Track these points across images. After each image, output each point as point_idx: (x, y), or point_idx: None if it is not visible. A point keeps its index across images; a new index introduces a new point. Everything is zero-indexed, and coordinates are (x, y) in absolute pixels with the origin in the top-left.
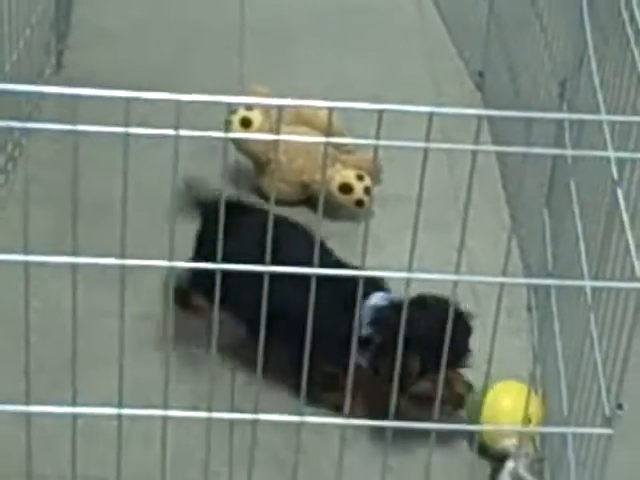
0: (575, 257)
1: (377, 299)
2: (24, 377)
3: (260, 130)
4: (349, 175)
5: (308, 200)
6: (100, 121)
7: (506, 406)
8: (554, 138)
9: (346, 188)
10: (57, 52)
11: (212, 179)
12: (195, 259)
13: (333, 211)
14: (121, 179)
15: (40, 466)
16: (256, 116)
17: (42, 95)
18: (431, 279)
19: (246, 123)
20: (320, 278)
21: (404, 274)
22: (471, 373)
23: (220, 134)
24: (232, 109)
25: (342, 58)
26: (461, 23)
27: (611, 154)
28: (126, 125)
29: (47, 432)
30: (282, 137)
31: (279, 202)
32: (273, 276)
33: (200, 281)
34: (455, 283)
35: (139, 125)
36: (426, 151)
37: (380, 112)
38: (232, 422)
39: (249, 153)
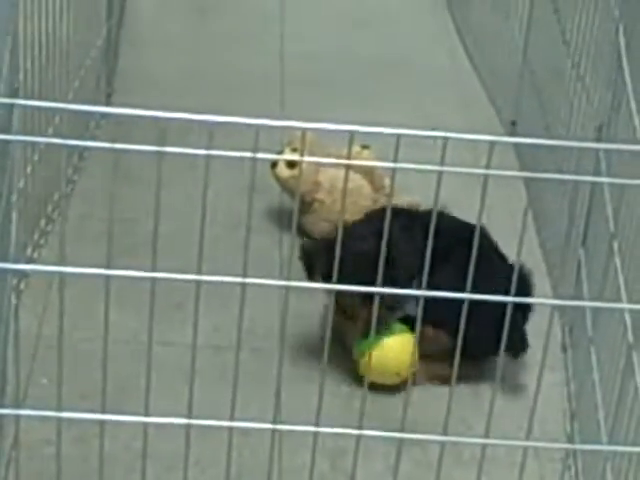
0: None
1: None
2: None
3: (306, 171)
4: None
5: None
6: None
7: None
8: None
9: None
10: (105, 96)
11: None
12: None
13: None
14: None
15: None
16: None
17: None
18: None
19: (292, 164)
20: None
21: None
22: None
23: (249, 154)
24: (278, 150)
25: (378, 109)
26: (494, 73)
27: None
28: (159, 144)
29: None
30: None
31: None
32: None
33: None
34: None
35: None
36: (440, 174)
37: (398, 136)
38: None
39: (293, 192)
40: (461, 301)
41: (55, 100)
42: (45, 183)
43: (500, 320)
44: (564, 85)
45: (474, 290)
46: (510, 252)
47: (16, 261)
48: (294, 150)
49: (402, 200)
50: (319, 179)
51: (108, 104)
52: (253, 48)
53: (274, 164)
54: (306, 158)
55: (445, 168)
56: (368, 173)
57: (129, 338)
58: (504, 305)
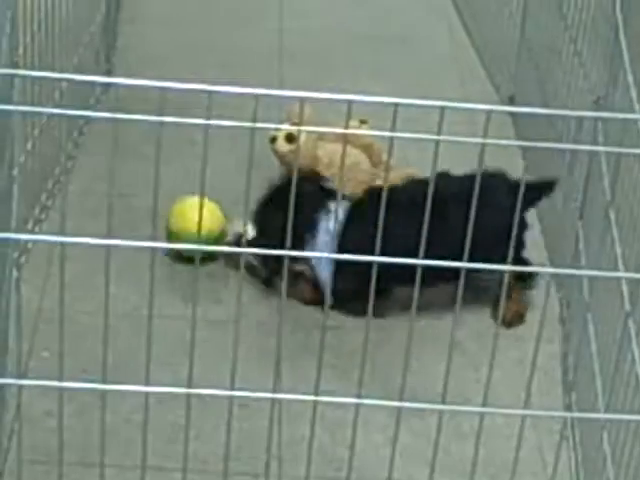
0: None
1: None
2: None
3: (304, 146)
4: None
5: None
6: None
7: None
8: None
9: None
10: (105, 72)
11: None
12: None
13: None
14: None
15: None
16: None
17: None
18: None
19: (291, 139)
20: None
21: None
22: None
23: (248, 124)
24: (277, 127)
25: (375, 84)
26: (492, 48)
27: None
28: (160, 114)
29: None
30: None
31: None
32: None
33: None
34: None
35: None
36: (437, 144)
37: (395, 105)
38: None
39: (292, 166)
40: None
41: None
42: (45, 158)
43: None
44: (562, 60)
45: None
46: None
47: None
48: (293, 124)
49: (401, 172)
50: (318, 154)
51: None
52: (252, 24)
53: (273, 139)
54: (304, 128)
55: (442, 137)
56: (367, 148)
57: (129, 311)
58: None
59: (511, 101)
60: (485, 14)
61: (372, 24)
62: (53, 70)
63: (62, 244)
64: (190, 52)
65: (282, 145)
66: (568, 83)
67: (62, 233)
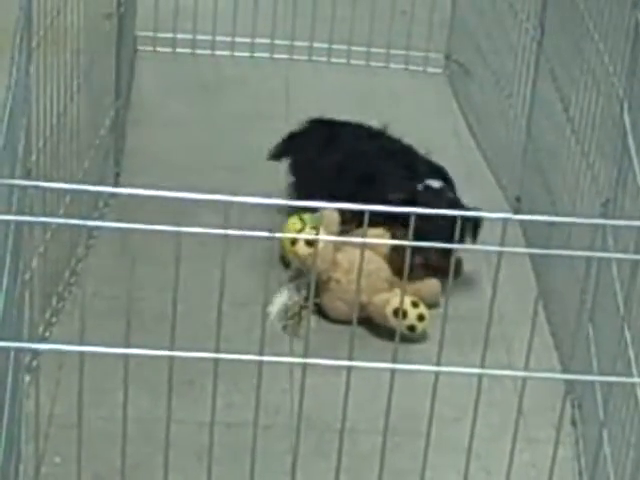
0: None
1: None
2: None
3: (324, 250)
4: (405, 301)
5: (364, 321)
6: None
7: None
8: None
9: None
10: (114, 175)
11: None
12: None
13: (387, 331)
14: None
15: None
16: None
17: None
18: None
19: (311, 242)
20: None
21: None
22: None
23: (265, 234)
24: (299, 229)
25: None
26: (497, 150)
27: None
28: (177, 224)
29: None
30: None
31: (335, 320)
32: None
33: None
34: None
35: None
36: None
37: (411, 215)
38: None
39: (311, 269)
40: None
41: (66, 179)
42: (56, 262)
43: None
44: (568, 162)
45: None
46: (519, 334)
47: (29, 339)
48: (314, 228)
49: (421, 284)
50: (337, 258)
51: (117, 183)
52: (259, 125)
53: (293, 242)
54: (322, 237)
55: (459, 245)
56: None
57: (141, 416)
58: None
59: (517, 201)
60: (490, 116)
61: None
62: (65, 173)
63: (81, 353)
64: (197, 154)
65: (302, 248)
66: (575, 185)
67: (81, 343)
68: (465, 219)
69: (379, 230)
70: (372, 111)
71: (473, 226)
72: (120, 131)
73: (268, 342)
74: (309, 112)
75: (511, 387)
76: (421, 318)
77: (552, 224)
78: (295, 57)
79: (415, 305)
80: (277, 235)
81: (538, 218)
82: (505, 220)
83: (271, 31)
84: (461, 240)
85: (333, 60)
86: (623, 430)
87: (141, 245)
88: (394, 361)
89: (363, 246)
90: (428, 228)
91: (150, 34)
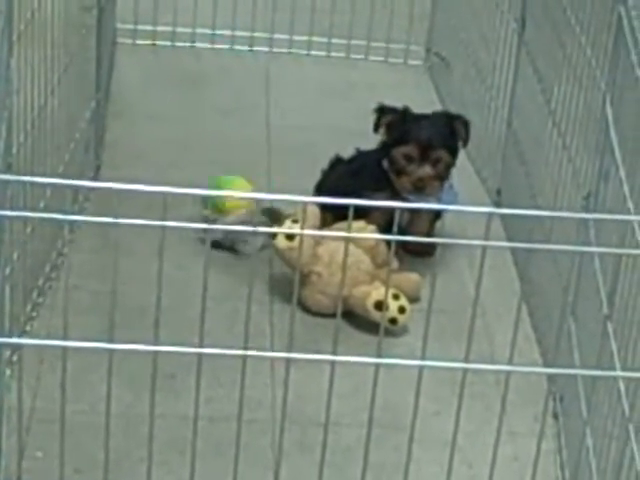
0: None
1: None
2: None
3: (304, 243)
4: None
5: (345, 314)
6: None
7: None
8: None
9: (381, 306)
10: (95, 168)
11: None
12: None
13: (368, 324)
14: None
15: None
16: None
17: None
18: None
19: (290, 236)
20: None
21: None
22: None
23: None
24: (278, 222)
25: None
26: (478, 142)
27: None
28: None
29: None
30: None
31: (317, 314)
32: None
33: None
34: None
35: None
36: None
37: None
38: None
39: (292, 264)
40: None
41: (46, 173)
42: (37, 255)
43: None
44: (550, 154)
45: None
46: (501, 327)
47: (10, 334)
48: (294, 222)
49: (403, 277)
50: (318, 251)
51: (97, 176)
52: (239, 119)
53: (273, 235)
54: (304, 232)
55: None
56: (371, 249)
57: (122, 411)
58: None
59: (498, 194)
60: (471, 109)
61: (356, 120)
62: (45, 167)
63: (64, 348)
64: (177, 146)
65: (281, 241)
66: (556, 177)
67: (64, 337)
68: (454, 117)
69: (361, 223)
70: (352, 103)
71: (464, 124)
72: (100, 124)
73: (249, 336)
74: (289, 105)
75: (492, 380)
76: (402, 310)
77: (536, 218)
78: (275, 49)
79: (396, 297)
80: (260, 230)
81: (523, 212)
82: (490, 214)
83: (251, 23)
84: (453, 143)
85: (313, 52)
86: (605, 423)
87: (123, 239)
88: (379, 355)
89: (347, 240)
90: (425, 122)
91: (130, 27)
